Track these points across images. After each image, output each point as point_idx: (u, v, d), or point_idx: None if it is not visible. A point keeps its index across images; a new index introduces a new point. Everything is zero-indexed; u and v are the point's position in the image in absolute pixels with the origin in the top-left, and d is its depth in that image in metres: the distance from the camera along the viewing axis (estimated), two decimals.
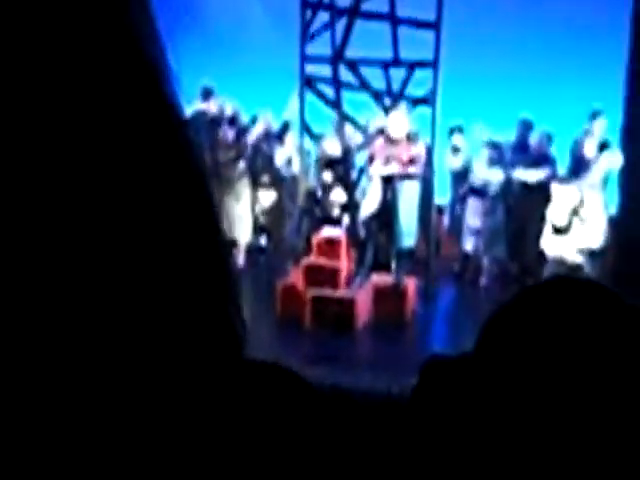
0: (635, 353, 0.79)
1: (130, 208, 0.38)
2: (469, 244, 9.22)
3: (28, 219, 0.35)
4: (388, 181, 8.19)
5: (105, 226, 0.37)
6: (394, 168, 8.15)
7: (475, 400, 0.82)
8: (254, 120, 9.72)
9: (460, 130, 9.43)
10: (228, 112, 9.57)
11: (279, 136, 9.49)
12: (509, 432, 0.80)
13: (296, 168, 9.03)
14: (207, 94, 9.39)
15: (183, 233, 0.41)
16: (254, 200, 9.63)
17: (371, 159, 8.40)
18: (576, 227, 8.11)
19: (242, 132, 9.61)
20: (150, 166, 0.39)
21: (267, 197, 9.67)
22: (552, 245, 8.23)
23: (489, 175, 8.91)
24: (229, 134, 9.39)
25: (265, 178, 9.62)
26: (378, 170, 8.24)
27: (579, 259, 8.09)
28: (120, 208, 0.37)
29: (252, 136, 9.57)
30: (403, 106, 8.32)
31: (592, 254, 8.14)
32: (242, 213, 9.36)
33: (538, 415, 0.79)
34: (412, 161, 8.16)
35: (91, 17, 0.37)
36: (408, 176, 8.17)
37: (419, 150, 8.26)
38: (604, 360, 0.79)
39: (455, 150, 9.43)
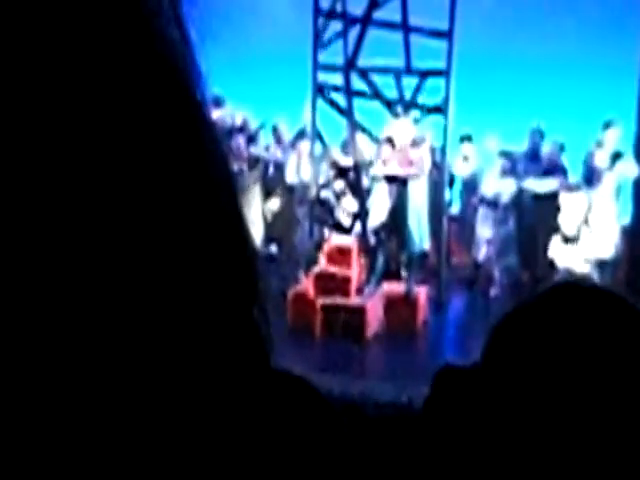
0: None
1: (157, 209, 0.38)
2: (480, 253, 9.20)
3: (53, 218, 0.35)
4: (392, 182, 8.19)
5: (130, 228, 0.37)
6: (394, 168, 8.16)
7: (488, 410, 0.82)
8: (262, 126, 9.76)
9: (469, 139, 9.44)
10: (238, 121, 9.61)
11: (292, 144, 9.50)
12: (522, 442, 0.79)
13: (307, 176, 9.04)
14: (217, 103, 9.42)
15: (209, 235, 0.41)
16: (265, 208, 9.65)
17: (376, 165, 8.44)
18: (585, 237, 8.07)
19: (252, 140, 9.64)
20: (177, 167, 0.39)
21: (278, 205, 9.68)
22: (561, 254, 8.20)
23: (501, 187, 8.89)
24: (240, 143, 9.42)
25: (276, 186, 9.63)
26: (379, 170, 8.26)
27: (587, 269, 8.06)
28: (146, 209, 0.37)
29: (259, 147, 9.59)
30: (409, 114, 8.35)
31: (602, 264, 8.10)
32: (253, 220, 9.38)
33: (550, 424, 0.78)
34: (412, 163, 8.17)
35: (118, 20, 0.37)
36: (409, 177, 8.16)
37: (421, 153, 8.27)
38: (614, 366, 0.78)
39: (465, 159, 9.44)
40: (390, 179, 8.24)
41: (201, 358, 0.39)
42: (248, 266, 0.43)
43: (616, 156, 8.22)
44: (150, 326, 0.37)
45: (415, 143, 8.25)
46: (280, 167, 9.64)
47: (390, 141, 8.24)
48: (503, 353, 0.83)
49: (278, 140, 9.71)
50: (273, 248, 9.89)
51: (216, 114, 9.30)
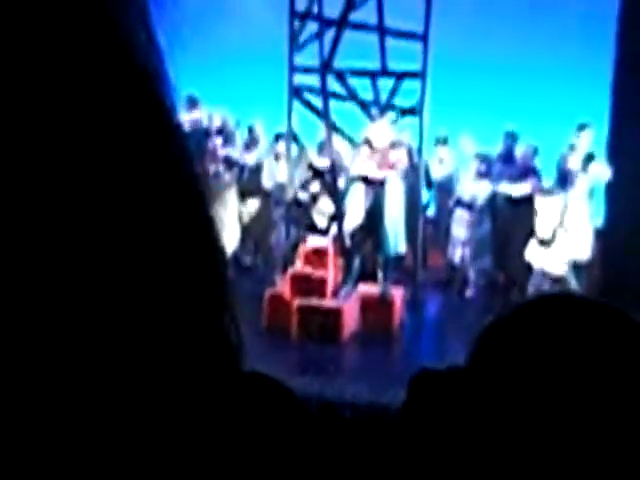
0: (633, 370, 0.79)
1: (125, 215, 0.37)
2: (455, 255, 9.25)
3: (16, 228, 0.35)
4: (369, 184, 8.21)
5: (98, 234, 0.37)
6: (373, 171, 8.19)
7: (467, 414, 0.82)
8: (237, 124, 9.74)
9: (445, 142, 9.49)
10: (217, 123, 9.58)
11: (271, 147, 9.48)
12: (501, 447, 0.80)
13: (284, 178, 9.04)
14: (192, 104, 9.39)
15: (179, 241, 0.40)
16: (241, 210, 9.63)
17: (354, 166, 8.45)
18: (560, 239, 8.15)
19: (230, 141, 9.62)
20: (146, 174, 0.39)
21: (254, 207, 9.67)
22: (537, 256, 8.27)
23: (476, 189, 8.95)
24: (217, 144, 9.39)
25: (253, 187, 9.62)
26: (357, 171, 8.28)
27: (562, 270, 8.13)
28: (114, 215, 0.37)
29: (236, 149, 9.57)
30: (387, 116, 8.37)
31: (577, 266, 8.18)
32: (229, 222, 9.35)
33: (532, 430, 0.79)
34: (391, 166, 8.20)
35: (85, 24, 0.37)
36: (387, 180, 8.19)
37: (399, 155, 8.31)
38: (600, 377, 0.79)
39: (440, 161, 9.50)
40: (367, 181, 8.26)
41: (168, 364, 0.39)
42: (217, 271, 0.43)
43: (589, 158, 8.31)
44: (117, 332, 0.37)
45: (394, 145, 8.28)
46: (256, 169, 9.63)
47: (369, 143, 8.26)
48: (489, 359, 0.84)
49: (254, 141, 9.69)
50: (249, 249, 9.88)
51: (192, 115, 9.27)
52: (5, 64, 0.34)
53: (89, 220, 0.36)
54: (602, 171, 8.24)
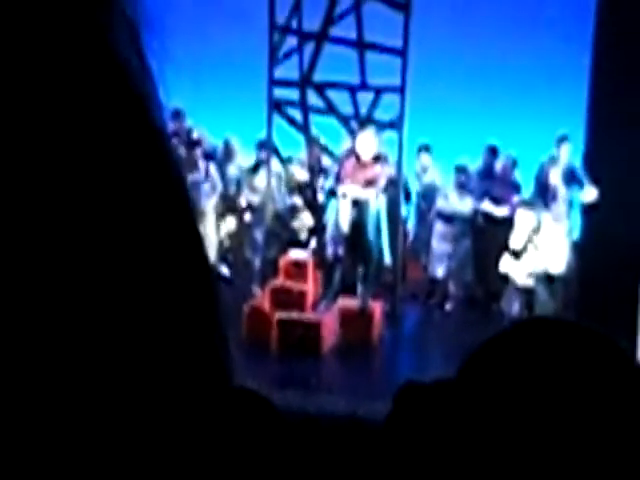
0: (618, 393, 0.80)
1: (114, 232, 0.38)
2: (435, 268, 9.28)
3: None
4: (355, 203, 8.23)
5: (90, 253, 0.37)
6: (359, 184, 8.20)
7: (453, 427, 0.82)
8: (227, 143, 9.74)
9: (427, 149, 9.51)
10: (195, 135, 9.58)
11: (255, 166, 9.42)
12: (488, 459, 0.80)
13: (263, 190, 9.03)
14: (177, 116, 9.38)
15: (169, 261, 0.41)
16: (221, 222, 9.62)
17: (339, 179, 8.43)
18: (531, 251, 8.20)
19: (208, 156, 9.61)
20: (136, 196, 0.39)
21: (232, 219, 9.66)
22: (512, 270, 8.32)
23: (457, 204, 9.00)
24: (196, 157, 9.39)
25: (232, 200, 9.61)
26: (348, 190, 8.26)
27: (530, 283, 8.16)
28: (104, 232, 0.37)
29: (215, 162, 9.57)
30: (372, 128, 8.39)
31: (551, 279, 8.23)
32: (207, 234, 9.33)
33: (517, 445, 0.79)
34: (375, 179, 8.22)
35: (76, 46, 0.37)
36: (372, 193, 8.21)
37: (382, 168, 8.32)
38: (585, 397, 0.80)
39: (423, 170, 9.49)
40: (352, 193, 8.25)
41: (157, 377, 0.39)
42: (207, 287, 0.43)
43: (570, 173, 8.37)
44: (104, 345, 0.37)
45: (377, 158, 8.29)
46: (236, 182, 9.62)
47: (355, 154, 8.25)
48: (477, 377, 0.84)
49: (229, 155, 9.68)
50: (228, 262, 9.86)
51: (176, 126, 9.25)
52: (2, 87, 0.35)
53: (77, 240, 0.36)
54: (588, 194, 8.27)
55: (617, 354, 0.82)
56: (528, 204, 8.43)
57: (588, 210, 8.38)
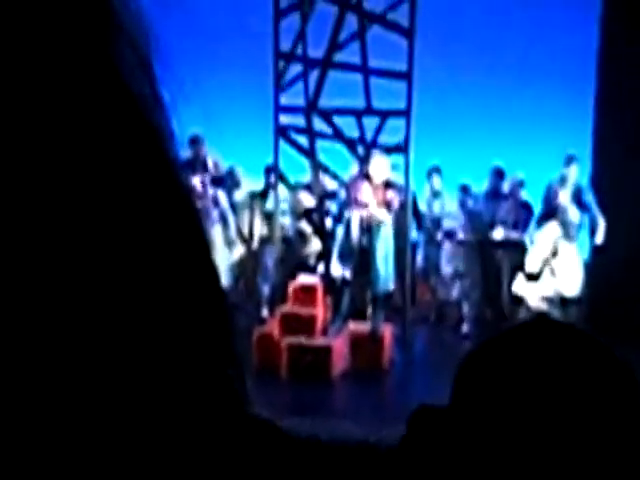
0: (613, 396, 0.79)
1: (130, 265, 0.38)
2: (446, 290, 9.25)
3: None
4: (366, 227, 8.22)
5: (105, 285, 0.37)
6: (372, 207, 8.19)
7: (466, 450, 0.82)
8: (231, 171, 9.76)
9: (438, 171, 9.52)
10: (209, 163, 9.61)
11: (264, 191, 9.46)
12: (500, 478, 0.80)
13: (271, 216, 9.04)
14: (194, 142, 9.36)
15: (184, 289, 0.41)
16: (228, 248, 9.62)
17: (349, 203, 8.42)
18: (546, 275, 8.17)
19: (218, 182, 9.63)
20: (149, 225, 0.39)
21: (241, 246, 9.66)
22: (525, 291, 8.28)
23: (465, 225, 8.99)
24: (207, 183, 9.40)
25: (240, 227, 9.62)
26: (363, 211, 8.23)
27: (543, 306, 8.12)
28: (119, 265, 0.37)
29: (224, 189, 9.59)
30: (383, 153, 8.39)
31: (565, 302, 8.18)
32: (216, 260, 9.32)
33: (528, 463, 0.79)
34: (387, 204, 8.21)
35: (89, 79, 0.37)
36: (385, 217, 8.21)
37: (392, 195, 8.32)
38: (583, 401, 0.79)
39: (435, 194, 9.49)
40: (365, 218, 8.23)
41: (170, 404, 0.39)
42: (222, 314, 0.44)
43: (578, 193, 8.35)
44: (123, 380, 0.37)
45: (387, 183, 8.29)
46: (243, 208, 9.64)
47: (368, 178, 8.24)
48: (472, 391, 0.84)
49: (235, 183, 9.69)
50: (238, 288, 9.85)
51: (190, 153, 9.26)
52: (15, 114, 0.35)
53: (90, 272, 0.36)
54: (599, 235, 8.27)
55: (611, 356, 0.82)
56: (541, 224, 8.41)
57: (598, 250, 8.37)
